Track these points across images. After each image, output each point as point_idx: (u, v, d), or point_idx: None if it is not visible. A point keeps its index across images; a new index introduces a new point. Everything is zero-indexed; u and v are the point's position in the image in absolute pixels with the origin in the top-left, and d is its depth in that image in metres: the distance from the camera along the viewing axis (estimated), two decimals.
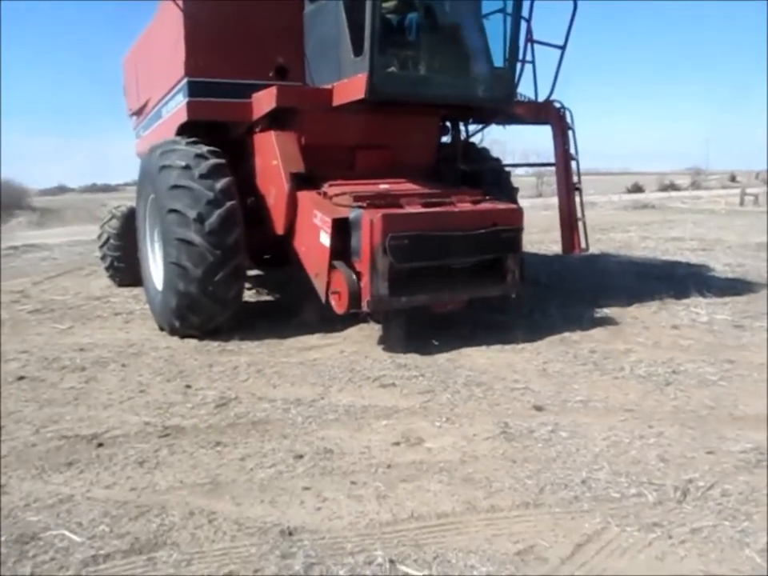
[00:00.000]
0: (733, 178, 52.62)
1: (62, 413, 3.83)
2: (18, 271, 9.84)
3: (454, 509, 2.67)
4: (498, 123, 6.88)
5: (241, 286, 5.50)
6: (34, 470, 3.09)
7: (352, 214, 4.78)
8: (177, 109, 6.17)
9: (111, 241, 8.07)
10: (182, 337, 5.41)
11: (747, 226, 14.12)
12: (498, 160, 7.45)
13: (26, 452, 3.30)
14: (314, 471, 3.03)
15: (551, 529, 2.51)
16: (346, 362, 4.71)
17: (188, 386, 4.26)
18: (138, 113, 8.54)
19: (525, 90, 6.43)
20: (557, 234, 6.94)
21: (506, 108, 6.09)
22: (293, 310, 6.09)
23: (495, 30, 5.64)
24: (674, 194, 35.55)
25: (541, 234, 11.94)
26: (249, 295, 7.09)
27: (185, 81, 5.81)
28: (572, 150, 6.71)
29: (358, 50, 5.00)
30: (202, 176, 5.25)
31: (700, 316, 5.82)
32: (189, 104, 5.81)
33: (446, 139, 6.83)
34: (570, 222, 6.61)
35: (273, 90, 5.41)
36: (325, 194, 5.19)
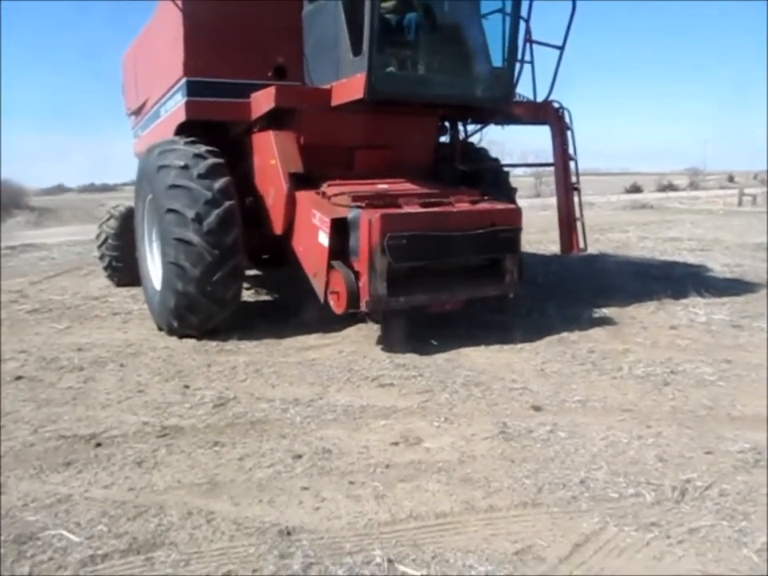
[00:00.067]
0: (731, 179, 52.76)
1: (60, 413, 3.83)
2: (16, 271, 9.83)
3: (453, 509, 2.67)
4: (496, 123, 6.89)
5: (239, 285, 5.50)
6: (32, 470, 3.08)
7: (350, 214, 4.79)
8: (175, 108, 6.16)
9: (109, 241, 8.06)
10: (181, 337, 5.41)
11: (745, 227, 14.15)
12: (496, 160, 7.47)
13: (24, 452, 3.30)
14: (313, 471, 3.03)
15: (549, 528, 2.51)
16: (345, 361, 4.71)
17: (186, 386, 4.25)
18: (137, 112, 8.53)
19: (523, 90, 6.45)
20: (555, 234, 6.94)
21: (505, 108, 6.09)
22: (291, 309, 6.10)
23: (494, 29, 5.64)
24: (672, 194, 35.61)
25: (539, 234, 11.95)
26: (247, 295, 7.09)
27: (183, 80, 5.81)
28: (570, 151, 6.72)
29: (356, 49, 5.00)
30: (200, 176, 5.25)
31: (698, 316, 5.83)
32: (187, 103, 5.80)
33: (444, 139, 6.84)
34: (568, 222, 6.62)
35: (271, 90, 5.41)
36: (323, 193, 5.19)
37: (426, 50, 5.33)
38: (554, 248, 8.75)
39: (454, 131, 6.76)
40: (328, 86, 5.39)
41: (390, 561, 2.29)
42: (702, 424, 3.51)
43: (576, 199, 6.68)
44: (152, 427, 3.57)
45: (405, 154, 5.94)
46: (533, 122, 6.90)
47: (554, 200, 7.11)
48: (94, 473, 3.05)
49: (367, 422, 3.62)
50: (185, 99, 5.81)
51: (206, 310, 5.26)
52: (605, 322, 5.66)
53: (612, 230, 13.72)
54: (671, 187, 43.34)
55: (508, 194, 6.78)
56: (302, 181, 5.39)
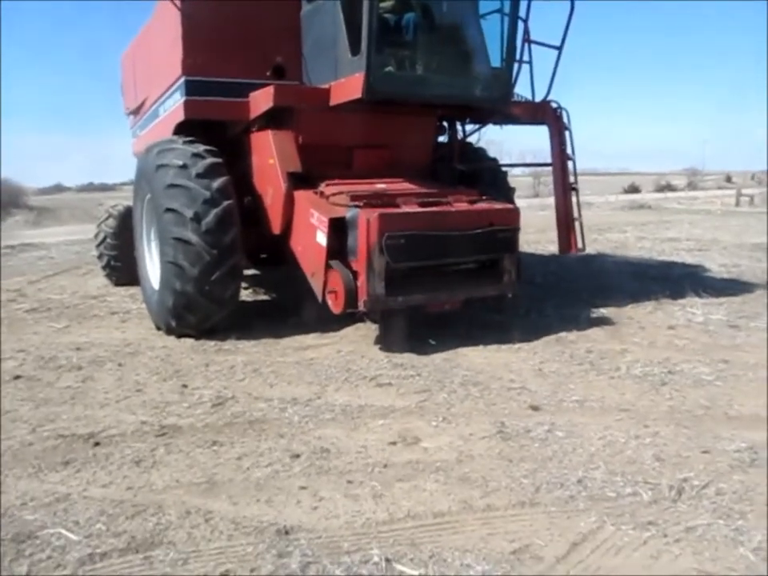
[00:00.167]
0: (729, 179, 52.79)
1: (59, 412, 3.83)
2: (14, 270, 9.82)
3: (450, 508, 2.67)
4: (494, 123, 6.90)
5: (237, 285, 5.50)
6: (30, 469, 3.09)
7: (349, 214, 4.79)
8: (174, 108, 6.16)
9: (108, 240, 8.06)
10: (179, 336, 5.41)
11: (743, 227, 14.18)
12: (494, 160, 7.47)
13: (23, 451, 3.30)
14: (311, 470, 3.04)
15: (547, 528, 2.52)
16: (343, 361, 4.71)
17: (185, 386, 4.26)
18: (135, 112, 8.53)
19: (522, 90, 6.45)
20: (553, 234, 6.95)
21: (503, 108, 6.10)
22: (289, 309, 6.10)
23: (492, 29, 5.65)
24: (670, 194, 35.64)
25: (537, 234, 11.96)
26: (245, 294, 7.10)
27: (182, 80, 5.81)
28: (569, 150, 6.72)
29: (355, 49, 5.01)
30: (198, 175, 5.25)
31: (696, 316, 5.84)
32: (186, 103, 5.80)
33: (442, 139, 6.85)
34: (566, 222, 6.62)
35: (270, 90, 5.41)
36: (322, 193, 5.19)
37: (424, 49, 5.33)
38: (553, 248, 8.77)
39: (453, 131, 6.77)
40: (326, 86, 5.39)
41: (387, 560, 2.30)
42: (699, 423, 3.52)
43: (574, 199, 6.69)
44: (150, 426, 3.58)
45: (403, 154, 5.94)
46: (531, 121, 6.91)
47: (552, 200, 7.12)
48: (92, 472, 3.05)
49: (365, 421, 3.63)
50: (183, 98, 5.81)
51: (204, 310, 5.26)
52: (603, 321, 5.67)
53: (610, 230, 13.74)
54: (669, 187, 43.38)
55: (506, 193, 6.79)
56: (301, 180, 5.39)
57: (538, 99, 6.51)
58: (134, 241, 6.52)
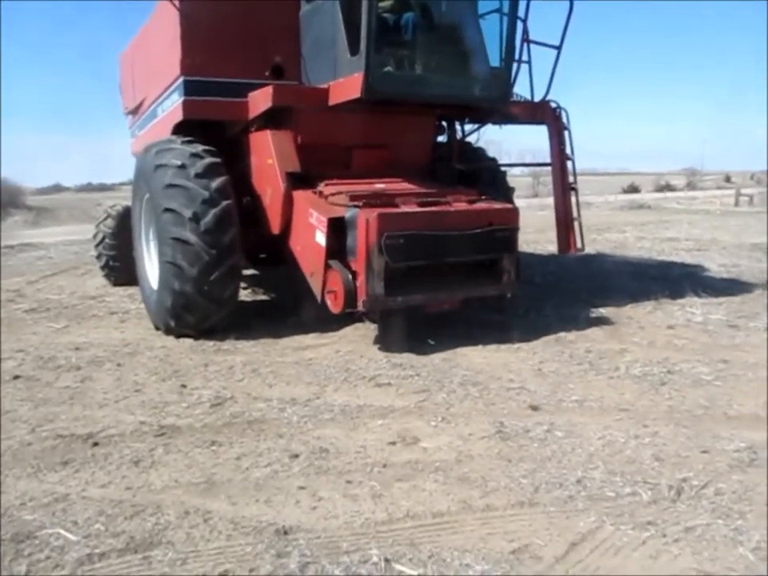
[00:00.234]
0: (728, 179, 52.76)
1: (58, 412, 3.82)
2: (13, 270, 9.81)
3: (450, 508, 2.67)
4: (494, 123, 6.90)
5: (236, 285, 5.50)
6: (29, 469, 3.08)
7: (348, 214, 4.79)
8: (172, 108, 6.16)
9: (107, 240, 8.05)
10: (178, 336, 5.40)
11: (742, 227, 14.18)
12: (494, 160, 7.47)
13: (22, 451, 3.29)
14: (310, 470, 3.03)
15: (546, 528, 2.52)
16: (342, 361, 4.71)
17: (183, 386, 4.25)
18: (134, 112, 8.52)
19: (521, 89, 6.46)
20: (553, 234, 6.95)
21: (502, 108, 6.10)
22: (288, 309, 6.10)
23: (491, 29, 5.65)
24: (669, 194, 35.62)
25: (537, 234, 11.96)
26: (244, 294, 7.09)
27: (181, 80, 5.80)
28: (568, 150, 6.72)
29: (354, 49, 5.01)
30: (197, 175, 5.24)
31: (695, 316, 5.84)
32: (185, 103, 5.80)
33: (441, 139, 6.85)
34: (565, 222, 6.62)
35: (269, 90, 5.41)
36: (321, 193, 5.19)
37: (423, 49, 5.33)
38: (552, 248, 8.76)
39: (452, 131, 6.77)
40: (325, 86, 5.39)
41: (386, 560, 2.30)
42: (698, 423, 3.52)
43: (573, 199, 6.69)
44: (149, 426, 3.57)
45: (402, 154, 5.94)
46: (530, 121, 6.90)
47: (551, 200, 7.11)
48: (91, 472, 3.05)
49: (364, 421, 3.62)
50: (182, 98, 5.81)
51: (203, 310, 5.26)
52: (602, 321, 5.67)
53: (609, 230, 13.74)
54: (669, 187, 43.35)
55: (505, 193, 6.79)
56: (300, 180, 5.39)
57: (537, 99, 6.52)
58: (132, 241, 6.51)
